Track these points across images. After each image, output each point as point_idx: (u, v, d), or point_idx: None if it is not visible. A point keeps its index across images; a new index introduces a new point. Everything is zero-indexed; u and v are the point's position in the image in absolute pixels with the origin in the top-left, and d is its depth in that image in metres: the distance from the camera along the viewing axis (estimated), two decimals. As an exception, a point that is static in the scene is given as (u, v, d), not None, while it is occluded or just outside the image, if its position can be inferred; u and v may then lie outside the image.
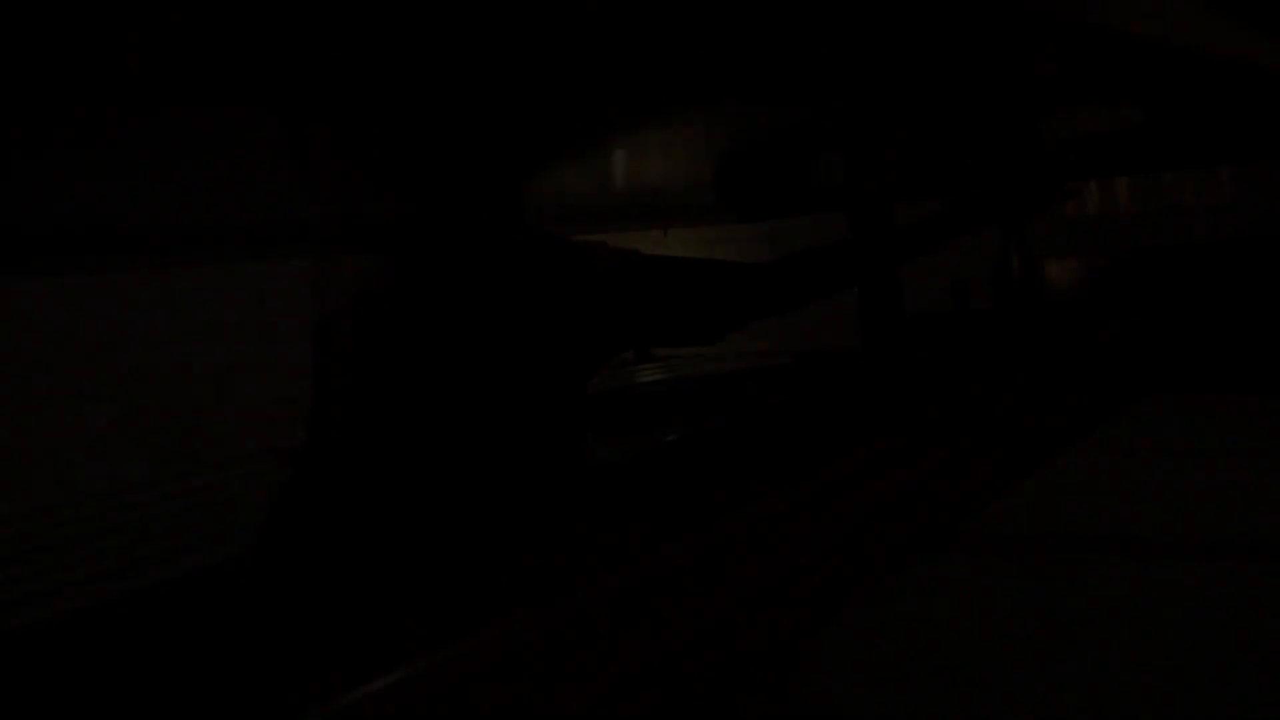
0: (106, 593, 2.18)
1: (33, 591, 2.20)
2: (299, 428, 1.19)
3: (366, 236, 0.94)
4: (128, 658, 0.71)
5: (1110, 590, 1.92)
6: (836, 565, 0.88)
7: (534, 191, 1.16)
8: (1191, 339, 1.91)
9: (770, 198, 1.55)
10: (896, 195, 1.83)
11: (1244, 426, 3.21)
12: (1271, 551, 2.09)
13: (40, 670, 2.21)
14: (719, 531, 0.74)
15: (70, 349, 3.63)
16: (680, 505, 0.96)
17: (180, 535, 2.60)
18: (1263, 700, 1.49)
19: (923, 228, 1.17)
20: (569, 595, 0.61)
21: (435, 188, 0.99)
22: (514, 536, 0.91)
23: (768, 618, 0.79)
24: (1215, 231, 4.28)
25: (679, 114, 1.06)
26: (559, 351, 1.01)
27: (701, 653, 0.72)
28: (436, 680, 0.53)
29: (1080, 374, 1.47)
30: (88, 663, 0.67)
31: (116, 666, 0.69)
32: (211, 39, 0.42)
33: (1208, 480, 2.66)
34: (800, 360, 2.11)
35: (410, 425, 1.02)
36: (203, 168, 0.68)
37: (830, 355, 2.07)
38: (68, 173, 0.60)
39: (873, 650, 1.72)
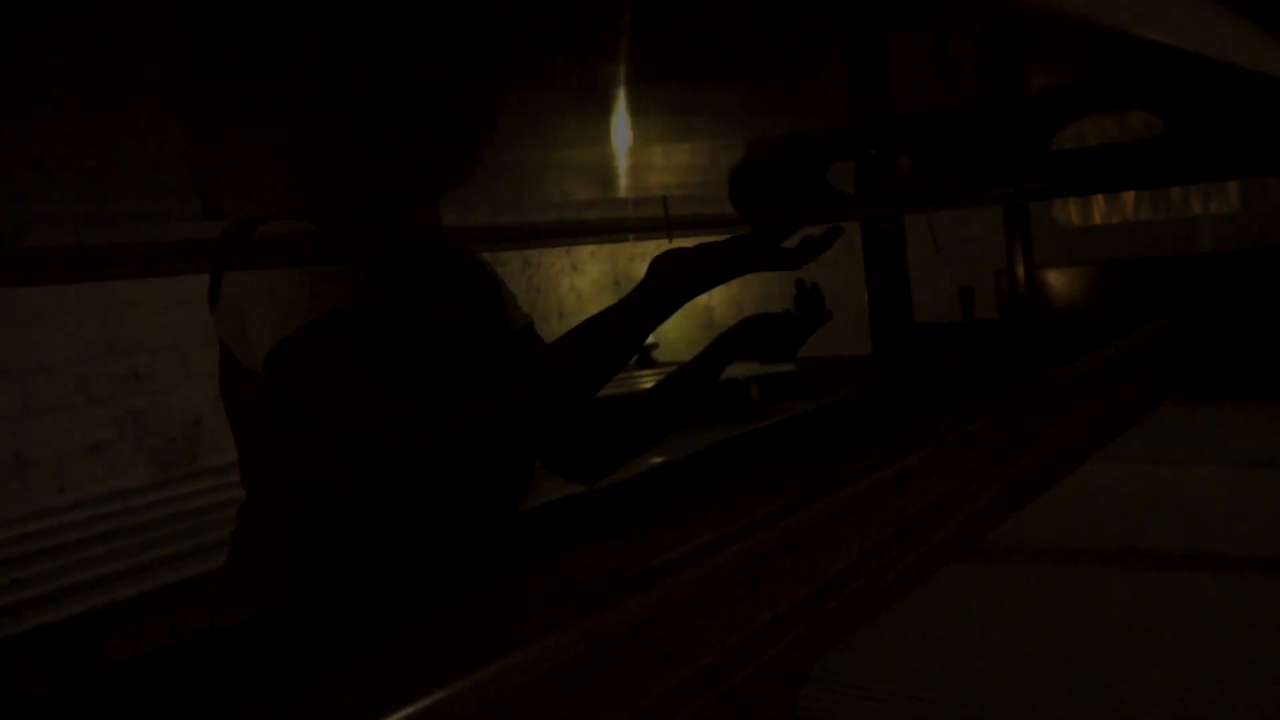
0: (113, 597, 2.17)
1: (40, 595, 2.18)
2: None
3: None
4: (123, 678, 0.69)
5: (1126, 602, 1.91)
6: (862, 582, 0.86)
7: (535, 199, 1.14)
8: (1202, 347, 1.90)
9: (786, 208, 1.52)
10: (908, 204, 1.82)
11: (1259, 435, 3.20)
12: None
13: (38, 679, 2.21)
14: (741, 549, 0.73)
15: (72, 353, 3.61)
16: (696, 523, 0.94)
17: (183, 541, 2.59)
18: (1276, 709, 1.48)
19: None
20: (586, 615, 0.60)
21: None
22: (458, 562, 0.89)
23: (793, 636, 0.78)
24: (1222, 241, 4.27)
25: (686, 120, 1.04)
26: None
27: (730, 673, 0.71)
28: (463, 705, 0.52)
29: (1093, 384, 1.46)
30: (85, 677, 0.66)
31: (112, 685, 0.68)
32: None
33: (1224, 489, 2.65)
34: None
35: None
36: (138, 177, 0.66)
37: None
38: (49, 182, 0.58)
39: (885, 663, 1.71)
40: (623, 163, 1.10)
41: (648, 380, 5.16)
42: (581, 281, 6.05)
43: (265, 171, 0.75)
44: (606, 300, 6.12)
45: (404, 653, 0.72)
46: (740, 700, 0.76)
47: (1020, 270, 4.21)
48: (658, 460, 1.25)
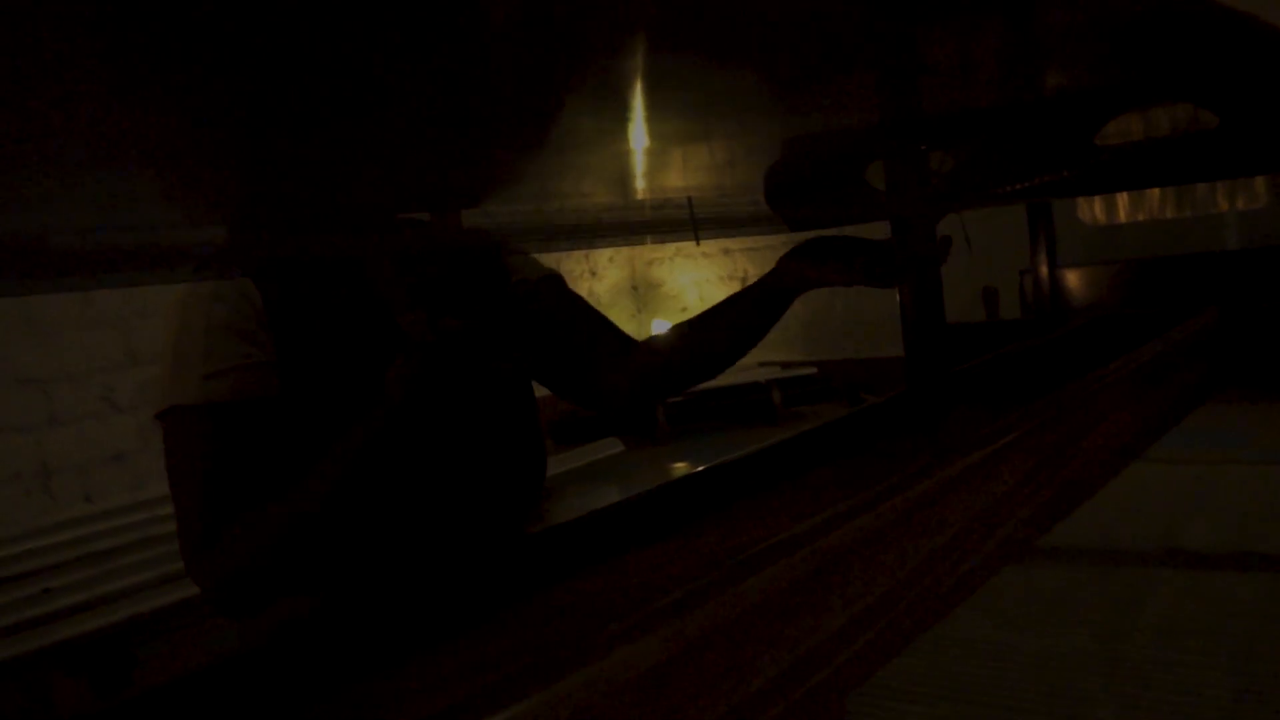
0: (144, 608, 2.17)
1: (72, 605, 2.18)
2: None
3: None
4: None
5: (1171, 603, 1.88)
6: (929, 584, 0.85)
7: (556, 200, 1.13)
8: (1241, 344, 1.87)
9: (824, 208, 1.51)
10: (940, 204, 1.79)
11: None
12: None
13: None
14: (816, 550, 0.71)
15: (95, 362, 3.62)
16: (758, 527, 0.93)
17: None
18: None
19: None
20: (671, 619, 0.58)
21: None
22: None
23: (864, 641, 0.76)
24: (1249, 237, 4.23)
25: (714, 124, 1.02)
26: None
27: (804, 678, 0.69)
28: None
29: (1141, 383, 1.44)
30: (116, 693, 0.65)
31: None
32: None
33: (1263, 488, 2.62)
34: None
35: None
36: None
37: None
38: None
39: (929, 667, 1.69)
40: (641, 164, 1.09)
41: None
42: (600, 287, 6.04)
43: (266, 176, 0.74)
44: (625, 304, 6.11)
45: (474, 661, 0.71)
46: (811, 705, 0.75)
47: (1044, 269, 4.18)
48: (678, 464, 1.24)
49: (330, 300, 1.01)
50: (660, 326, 5.72)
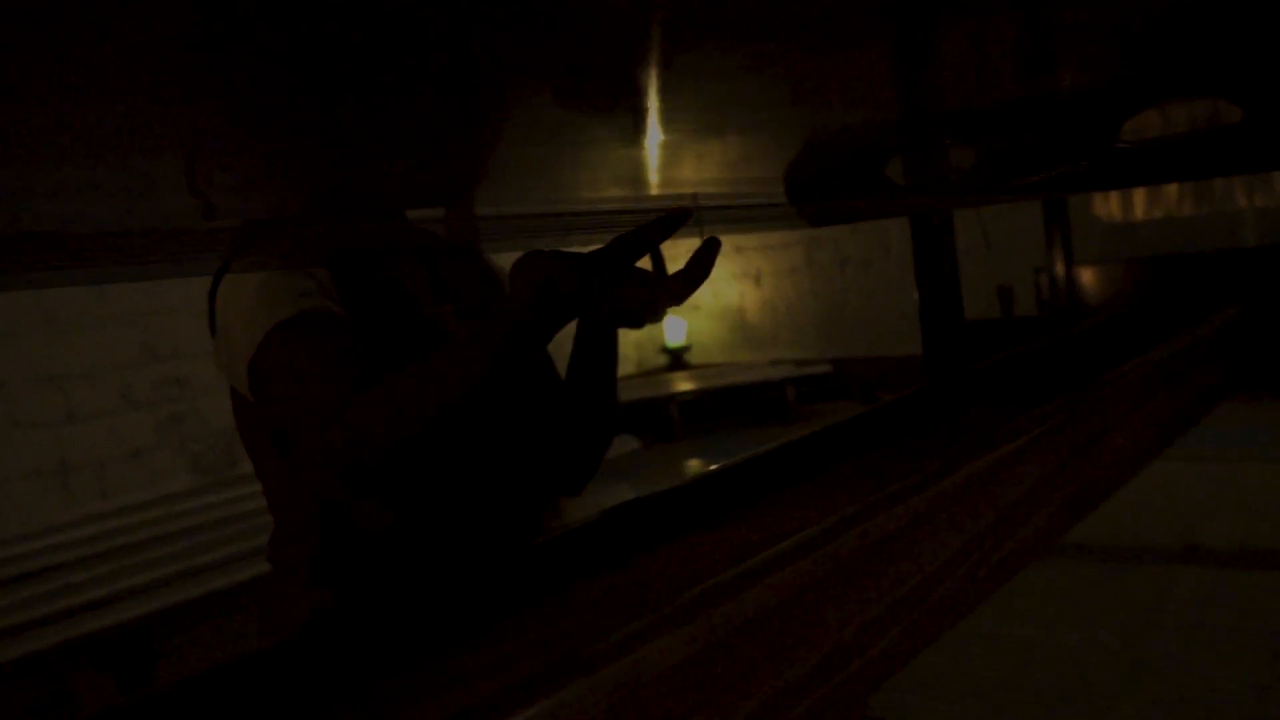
0: (164, 602, 2.18)
1: (94, 600, 2.19)
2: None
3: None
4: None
5: (1193, 601, 1.87)
6: (957, 580, 0.84)
7: (564, 191, 1.12)
8: (1263, 341, 1.86)
9: (845, 202, 1.50)
10: (958, 196, 1.78)
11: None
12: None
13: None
14: (824, 557, 0.71)
15: (114, 359, 3.64)
16: (775, 528, 0.93)
17: (228, 546, 2.60)
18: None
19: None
20: (707, 609, 0.58)
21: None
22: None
23: (893, 634, 0.76)
24: (1266, 234, 4.21)
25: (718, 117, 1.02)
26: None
27: (835, 671, 0.69)
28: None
29: (1165, 379, 1.43)
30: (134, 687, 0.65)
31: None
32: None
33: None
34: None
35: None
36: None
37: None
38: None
39: (951, 663, 1.68)
40: (654, 159, 1.08)
41: (681, 383, 5.14)
42: (613, 284, 6.04)
43: (265, 169, 0.74)
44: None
45: (503, 656, 0.71)
46: (836, 700, 0.74)
47: (1060, 267, 4.15)
48: (692, 460, 1.23)
49: (375, 287, 1.02)
50: (674, 323, 5.72)
